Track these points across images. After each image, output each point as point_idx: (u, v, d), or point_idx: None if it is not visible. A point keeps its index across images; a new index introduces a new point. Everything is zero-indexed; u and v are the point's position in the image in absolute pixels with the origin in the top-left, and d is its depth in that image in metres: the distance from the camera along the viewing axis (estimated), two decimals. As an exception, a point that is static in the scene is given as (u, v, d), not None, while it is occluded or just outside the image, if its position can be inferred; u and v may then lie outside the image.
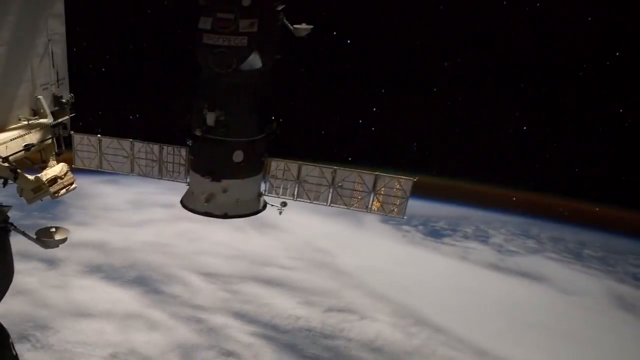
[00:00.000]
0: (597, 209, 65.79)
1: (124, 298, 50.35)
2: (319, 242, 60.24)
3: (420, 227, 66.34)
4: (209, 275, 54.42)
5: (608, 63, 57.86)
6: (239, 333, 46.76)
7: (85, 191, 63.79)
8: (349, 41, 54.67)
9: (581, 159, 64.00)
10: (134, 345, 43.99)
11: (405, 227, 65.86)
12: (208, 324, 47.61)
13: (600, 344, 45.58)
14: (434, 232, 66.21)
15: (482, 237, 65.62)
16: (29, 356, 40.91)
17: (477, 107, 63.17)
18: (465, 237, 66.06)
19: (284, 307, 50.42)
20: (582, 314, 50.52)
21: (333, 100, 61.45)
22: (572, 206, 67.06)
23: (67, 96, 7.94)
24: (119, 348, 43.45)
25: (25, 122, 7.29)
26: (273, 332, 47.16)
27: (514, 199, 69.95)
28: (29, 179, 6.99)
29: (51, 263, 52.92)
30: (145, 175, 14.90)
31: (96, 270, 53.90)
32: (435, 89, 63.26)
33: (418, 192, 13.49)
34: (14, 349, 8.95)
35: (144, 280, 52.80)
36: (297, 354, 44.63)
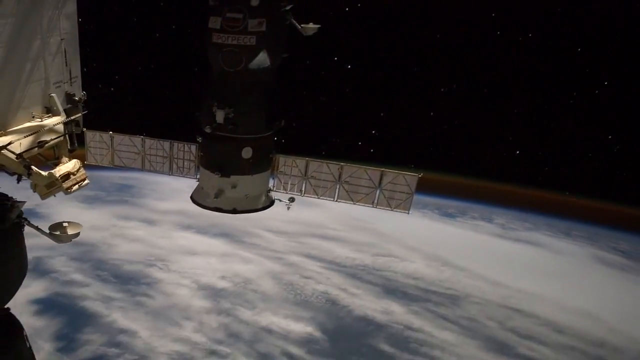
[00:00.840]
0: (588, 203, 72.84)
1: (217, 244, 64.69)
2: (355, 215, 69.41)
3: (436, 210, 76.24)
4: (277, 232, 67.54)
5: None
6: (312, 266, 60.78)
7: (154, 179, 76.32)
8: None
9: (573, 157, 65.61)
10: (236, 271, 58.58)
11: (423, 210, 74.98)
12: (287, 261, 61.73)
13: (582, 281, 59.42)
14: (447, 214, 76.44)
15: (487, 219, 75.62)
16: (161, 275, 56.46)
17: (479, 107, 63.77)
18: (474, 218, 76.26)
19: (340, 252, 64.08)
20: (569, 264, 63.72)
21: (341, 98, 61.76)
22: (565, 200, 73.93)
23: (79, 94, 7.93)
24: (225, 273, 58.23)
25: (39, 120, 7.26)
26: (337, 266, 60.85)
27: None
28: (43, 175, 6.97)
29: (150, 222, 67.94)
30: (156, 171, 14.91)
31: (187, 227, 67.24)
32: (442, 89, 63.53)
33: (423, 188, 13.48)
34: (28, 341, 8.97)
35: (227, 235, 66.28)
36: (358, 280, 58.53)
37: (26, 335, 9.01)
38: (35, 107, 7.31)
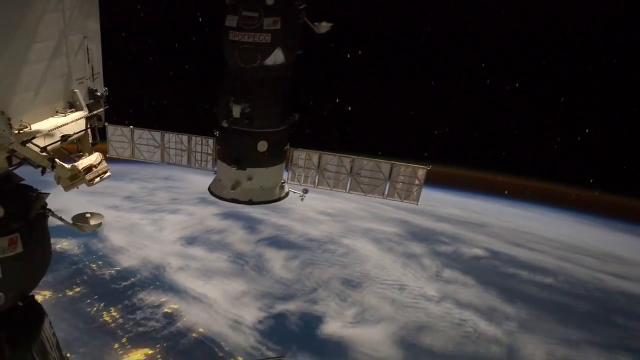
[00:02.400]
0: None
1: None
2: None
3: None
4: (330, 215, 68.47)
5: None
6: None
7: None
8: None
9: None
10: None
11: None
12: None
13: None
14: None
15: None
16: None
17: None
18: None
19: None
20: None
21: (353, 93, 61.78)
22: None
23: (101, 90, 7.91)
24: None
25: (62, 115, 7.25)
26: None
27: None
28: (66, 167, 6.96)
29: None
30: (174, 164, 14.93)
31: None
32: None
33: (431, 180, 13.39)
34: (52, 327, 9.00)
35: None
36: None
37: (50, 322, 9.04)
38: (58, 103, 7.29)
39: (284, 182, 14.10)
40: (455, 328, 45.54)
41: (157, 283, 50.94)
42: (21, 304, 8.50)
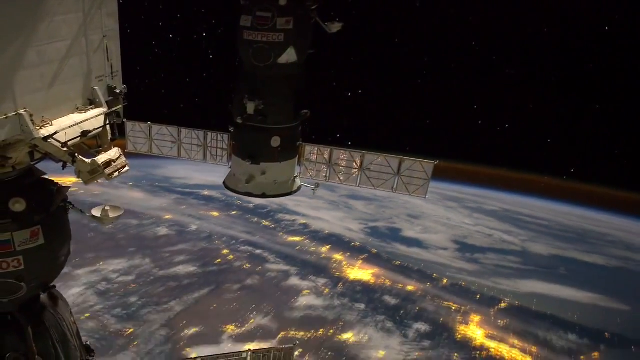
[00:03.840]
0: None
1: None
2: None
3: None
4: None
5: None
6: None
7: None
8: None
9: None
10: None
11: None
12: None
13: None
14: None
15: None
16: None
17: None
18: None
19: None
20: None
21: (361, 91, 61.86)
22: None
23: (120, 87, 7.87)
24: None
25: (82, 111, 7.23)
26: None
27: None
28: (86, 162, 6.91)
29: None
30: (190, 159, 14.94)
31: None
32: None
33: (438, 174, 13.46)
34: (73, 316, 8.99)
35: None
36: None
37: (70, 310, 9.05)
38: (79, 100, 7.27)
39: (296, 176, 14.07)
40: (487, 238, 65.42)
41: (285, 211, 70.28)
42: (43, 293, 8.52)
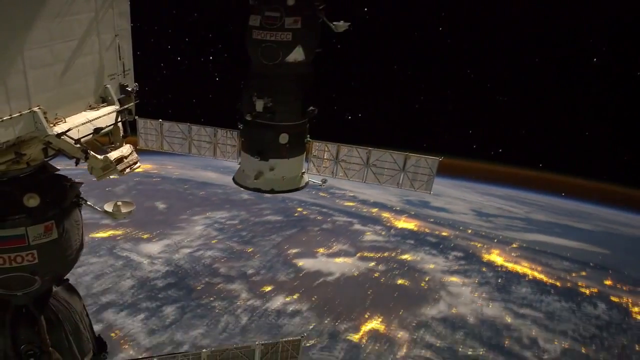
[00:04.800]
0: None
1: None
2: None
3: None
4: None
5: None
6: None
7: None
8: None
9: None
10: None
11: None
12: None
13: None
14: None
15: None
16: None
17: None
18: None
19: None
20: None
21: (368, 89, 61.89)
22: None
23: (132, 85, 7.85)
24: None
25: (95, 108, 7.22)
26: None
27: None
28: (99, 158, 6.90)
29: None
30: (200, 155, 14.96)
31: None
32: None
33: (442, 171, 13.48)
34: (86, 309, 9.00)
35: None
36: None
37: (84, 305, 9.06)
38: (91, 97, 7.26)
39: (304, 173, 14.06)
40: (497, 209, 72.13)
41: (334, 188, 73.37)
42: (56, 287, 8.53)
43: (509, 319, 46.13)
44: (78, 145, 6.70)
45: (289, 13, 11.80)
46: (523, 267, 55.25)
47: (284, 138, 12.99)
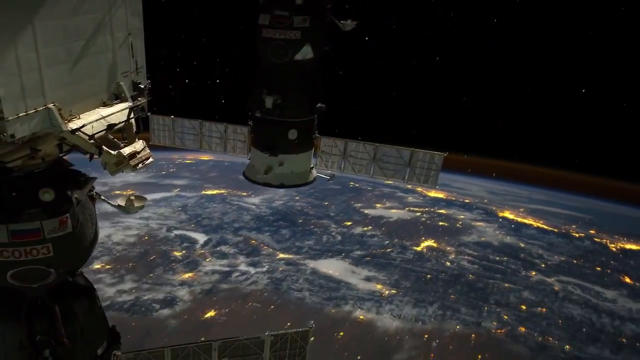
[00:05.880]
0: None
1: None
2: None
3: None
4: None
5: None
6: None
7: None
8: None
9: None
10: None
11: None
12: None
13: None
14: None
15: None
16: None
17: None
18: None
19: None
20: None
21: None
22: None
23: (144, 82, 7.83)
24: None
25: (109, 105, 7.21)
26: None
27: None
28: (112, 154, 6.90)
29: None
30: (212, 151, 14.97)
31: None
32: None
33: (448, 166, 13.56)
34: (99, 300, 9.00)
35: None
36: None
37: (97, 296, 9.06)
38: (105, 94, 7.26)
39: (312, 167, 14.05)
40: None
41: None
42: (71, 279, 8.53)
43: (522, 245, 60.99)
44: (92, 141, 6.70)
45: (298, 12, 11.80)
46: (529, 220, 68.19)
47: (292, 134, 13.00)
